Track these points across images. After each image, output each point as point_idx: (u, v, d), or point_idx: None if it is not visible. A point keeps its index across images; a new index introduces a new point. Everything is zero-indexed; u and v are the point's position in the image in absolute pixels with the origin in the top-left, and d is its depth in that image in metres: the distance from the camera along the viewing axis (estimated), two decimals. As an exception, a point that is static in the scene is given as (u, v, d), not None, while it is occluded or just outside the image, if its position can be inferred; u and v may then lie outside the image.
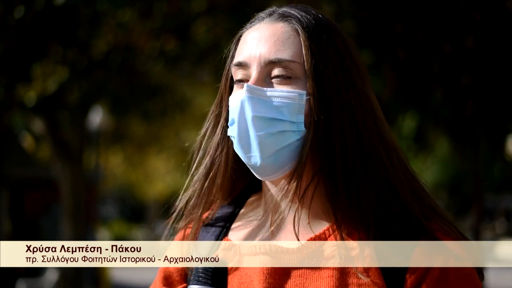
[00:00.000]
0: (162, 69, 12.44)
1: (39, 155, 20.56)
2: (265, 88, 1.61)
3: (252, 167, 1.63)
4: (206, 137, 1.74)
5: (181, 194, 1.78)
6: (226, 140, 1.71)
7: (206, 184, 1.74)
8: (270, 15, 1.67)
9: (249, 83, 1.62)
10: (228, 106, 1.69)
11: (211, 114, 1.74)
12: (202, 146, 1.75)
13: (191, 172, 1.77)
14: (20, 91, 9.88)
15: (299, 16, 1.64)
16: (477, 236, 11.28)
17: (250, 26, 1.69)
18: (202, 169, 1.74)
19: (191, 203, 1.76)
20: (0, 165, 17.02)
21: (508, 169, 24.12)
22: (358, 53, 1.67)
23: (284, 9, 1.67)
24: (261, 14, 1.69)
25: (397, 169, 1.62)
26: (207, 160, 1.73)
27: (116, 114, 16.16)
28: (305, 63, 1.59)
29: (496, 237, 33.91)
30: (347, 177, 1.58)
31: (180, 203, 1.77)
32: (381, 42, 8.57)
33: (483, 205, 15.45)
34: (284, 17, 1.65)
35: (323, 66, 1.59)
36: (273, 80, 1.62)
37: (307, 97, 1.60)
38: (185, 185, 1.79)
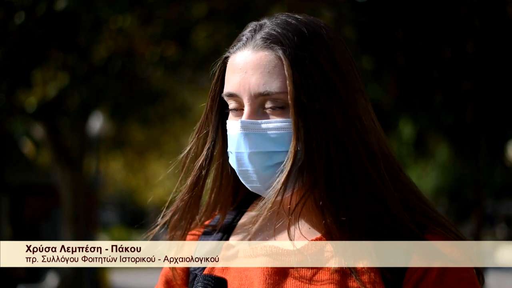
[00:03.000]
0: (162, 75, 12.46)
1: (39, 160, 20.57)
2: (259, 121, 1.61)
3: (256, 192, 1.66)
4: (189, 157, 1.76)
5: (164, 210, 1.80)
6: (221, 158, 1.73)
7: (189, 201, 1.76)
8: (252, 37, 1.65)
9: (243, 117, 1.62)
10: (212, 125, 1.72)
11: (196, 135, 1.75)
12: (186, 165, 1.76)
13: (175, 190, 1.79)
14: (20, 96, 9.89)
15: (281, 39, 1.61)
16: (477, 242, 11.26)
17: (234, 51, 1.67)
18: (185, 188, 1.76)
19: (175, 218, 1.78)
20: (1, 170, 17.03)
21: (509, 174, 24.12)
22: (345, 55, 1.65)
23: (267, 29, 1.64)
24: (244, 36, 1.67)
25: (385, 181, 1.61)
26: (190, 179, 1.75)
27: (116, 119, 16.16)
28: (288, 93, 1.59)
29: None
30: (336, 195, 1.59)
31: (164, 219, 1.79)
32: (381, 48, 8.59)
33: (484, 211, 15.44)
34: (267, 42, 1.62)
35: (306, 94, 1.58)
36: (266, 111, 1.62)
37: None
38: (167, 202, 1.81)
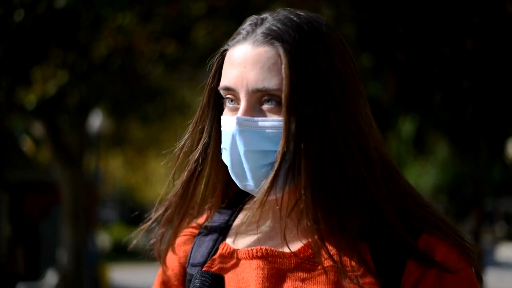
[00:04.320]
0: (162, 72, 12.45)
1: (39, 158, 20.58)
2: (255, 118, 1.58)
3: (247, 191, 1.64)
4: (183, 151, 1.73)
5: (156, 204, 1.78)
6: (215, 153, 1.70)
7: (184, 195, 1.73)
8: (253, 31, 1.62)
9: (239, 113, 1.59)
10: (209, 120, 1.69)
11: (193, 128, 1.72)
12: (179, 159, 1.74)
13: (167, 184, 1.77)
14: (20, 94, 9.89)
15: (282, 35, 1.59)
16: (477, 240, 11.28)
17: (233, 44, 1.65)
18: (179, 182, 1.74)
19: (167, 213, 1.75)
20: (0, 168, 17.03)
21: (508, 172, 24.14)
22: (344, 55, 1.63)
23: (268, 24, 1.61)
24: (244, 29, 1.64)
25: (380, 186, 1.59)
26: (185, 174, 1.72)
27: (116, 117, 16.18)
28: (282, 93, 1.56)
29: (496, 241, 33.93)
30: (327, 198, 1.57)
31: (156, 213, 1.77)
32: (381, 45, 8.58)
33: (483, 208, 15.45)
34: (267, 38, 1.59)
35: (301, 94, 1.56)
36: (263, 108, 1.59)
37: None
38: (160, 196, 1.78)
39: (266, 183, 1.58)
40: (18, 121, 15.57)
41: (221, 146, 1.66)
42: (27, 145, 20.25)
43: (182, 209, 1.75)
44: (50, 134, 13.10)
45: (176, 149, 1.75)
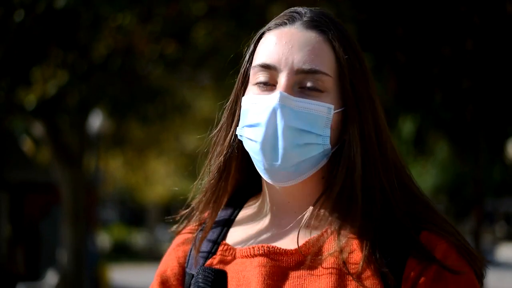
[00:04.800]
0: (162, 72, 12.45)
1: (39, 158, 20.56)
2: (297, 98, 1.58)
3: (268, 172, 1.61)
4: (219, 136, 1.72)
5: (191, 195, 1.77)
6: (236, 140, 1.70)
7: (219, 184, 1.73)
8: (299, 17, 1.64)
9: (281, 90, 1.58)
10: (239, 103, 1.68)
11: (227, 112, 1.71)
12: (215, 143, 1.73)
13: (203, 171, 1.75)
14: (20, 94, 9.89)
15: (329, 25, 1.62)
16: (477, 240, 11.28)
17: (276, 27, 1.65)
18: (215, 169, 1.72)
19: (201, 205, 1.75)
20: (0, 168, 17.02)
21: (508, 172, 24.12)
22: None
23: (311, 14, 1.64)
24: (286, 16, 1.65)
25: (394, 188, 1.62)
26: (221, 158, 1.71)
27: (116, 117, 16.14)
28: (344, 78, 1.59)
29: (496, 241, 33.93)
30: (353, 193, 1.59)
31: (195, 200, 1.77)
32: (381, 45, 8.57)
33: (483, 208, 15.43)
34: (316, 25, 1.62)
35: (356, 81, 1.60)
36: (302, 90, 1.59)
37: (335, 111, 1.60)
38: (194, 184, 1.77)
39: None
40: (18, 121, 15.56)
41: (246, 124, 1.63)
42: (27, 145, 20.24)
43: (215, 199, 1.73)
44: (50, 134, 13.09)
45: (213, 134, 1.74)
